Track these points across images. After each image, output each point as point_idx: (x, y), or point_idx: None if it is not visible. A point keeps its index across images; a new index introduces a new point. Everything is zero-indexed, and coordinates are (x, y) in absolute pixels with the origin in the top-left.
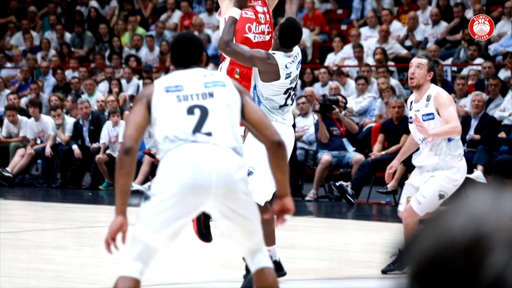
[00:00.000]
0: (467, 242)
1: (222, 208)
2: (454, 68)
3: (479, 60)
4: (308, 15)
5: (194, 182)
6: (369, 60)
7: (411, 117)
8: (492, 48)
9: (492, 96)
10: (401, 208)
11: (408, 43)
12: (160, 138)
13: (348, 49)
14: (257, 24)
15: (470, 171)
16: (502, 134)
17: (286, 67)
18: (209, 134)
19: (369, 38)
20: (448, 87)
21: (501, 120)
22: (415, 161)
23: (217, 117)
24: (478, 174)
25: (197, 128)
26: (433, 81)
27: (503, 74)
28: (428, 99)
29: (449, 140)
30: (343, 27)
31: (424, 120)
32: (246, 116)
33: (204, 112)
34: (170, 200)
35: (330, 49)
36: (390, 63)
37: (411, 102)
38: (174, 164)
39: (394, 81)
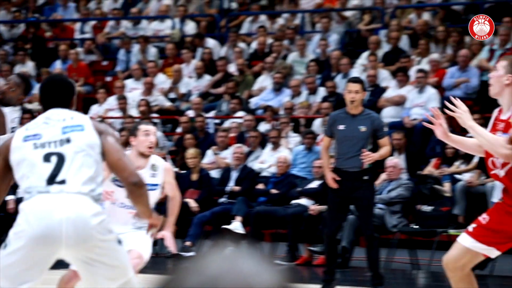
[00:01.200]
0: None
1: (78, 256)
2: (217, 121)
3: (240, 113)
4: (72, 66)
5: (43, 233)
6: (133, 111)
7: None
8: (253, 101)
9: (252, 148)
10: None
11: (172, 95)
12: (20, 188)
13: (112, 101)
14: None
15: (229, 222)
16: (261, 186)
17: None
18: (63, 182)
19: (134, 90)
20: (210, 139)
21: (260, 172)
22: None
23: (73, 163)
24: (236, 225)
25: (52, 177)
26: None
27: (263, 127)
28: (154, 168)
29: None
30: (108, 78)
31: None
32: (105, 157)
33: (61, 159)
34: (21, 251)
35: (94, 100)
36: (154, 115)
37: None
38: (26, 215)
39: (157, 133)
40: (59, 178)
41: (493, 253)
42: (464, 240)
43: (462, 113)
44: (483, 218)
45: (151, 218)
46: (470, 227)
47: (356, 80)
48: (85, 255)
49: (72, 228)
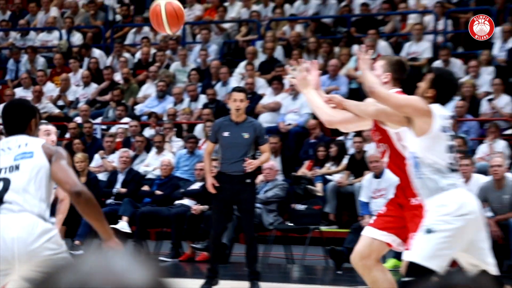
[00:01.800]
0: None
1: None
2: (104, 127)
3: (126, 119)
4: None
5: None
6: None
7: None
8: (138, 108)
9: (138, 152)
10: None
11: (60, 103)
12: None
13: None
14: None
15: (116, 222)
16: (146, 188)
17: None
18: (10, 203)
19: (23, 98)
20: (97, 144)
21: (145, 175)
22: None
23: (19, 187)
24: (123, 224)
25: None
26: None
27: (148, 132)
28: None
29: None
30: None
31: None
32: (52, 176)
33: (6, 184)
34: None
35: None
36: (43, 122)
37: None
38: None
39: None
40: (5, 199)
41: (396, 242)
42: (367, 232)
43: (299, 79)
44: (382, 210)
45: (112, 240)
46: (371, 220)
47: (240, 89)
48: (35, 270)
49: (24, 247)
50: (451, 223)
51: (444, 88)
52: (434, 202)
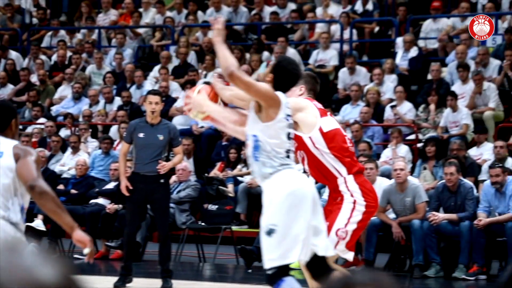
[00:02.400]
0: None
1: None
2: (20, 127)
3: (42, 120)
4: None
5: None
6: None
7: None
8: (54, 109)
9: (54, 152)
10: None
11: None
12: None
13: None
14: None
15: (31, 220)
16: (61, 187)
17: None
18: None
19: None
20: None
21: (61, 174)
22: None
23: None
24: (38, 222)
25: None
26: None
27: (63, 132)
28: None
29: None
30: None
31: None
32: (17, 173)
33: None
34: None
35: None
36: None
37: None
38: None
39: None
40: None
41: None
42: None
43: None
44: None
45: (75, 232)
46: None
47: (156, 92)
48: None
49: None
50: (288, 213)
51: (281, 75)
52: (269, 183)
